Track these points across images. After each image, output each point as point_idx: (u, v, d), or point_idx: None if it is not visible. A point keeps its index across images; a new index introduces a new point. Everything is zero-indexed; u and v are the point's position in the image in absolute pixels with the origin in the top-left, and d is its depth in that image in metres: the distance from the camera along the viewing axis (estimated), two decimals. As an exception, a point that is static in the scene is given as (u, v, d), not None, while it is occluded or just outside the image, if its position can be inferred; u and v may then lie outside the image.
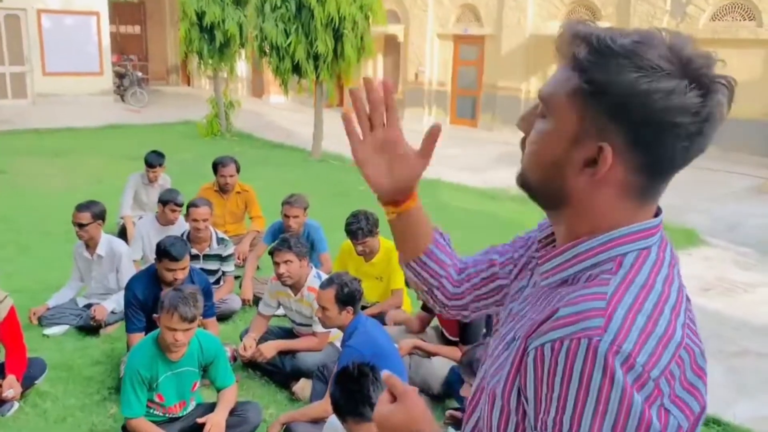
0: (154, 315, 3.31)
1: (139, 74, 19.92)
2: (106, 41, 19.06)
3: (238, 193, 6.28)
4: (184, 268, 3.93)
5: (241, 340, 4.29)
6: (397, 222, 1.27)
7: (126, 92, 19.04)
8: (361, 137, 1.18)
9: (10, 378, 3.68)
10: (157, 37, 26.73)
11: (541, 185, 1.00)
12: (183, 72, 26.46)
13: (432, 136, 1.15)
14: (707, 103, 0.87)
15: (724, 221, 7.84)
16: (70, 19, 18.21)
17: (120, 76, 19.71)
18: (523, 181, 1.03)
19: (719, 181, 10.13)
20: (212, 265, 5.08)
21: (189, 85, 26.18)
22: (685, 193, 9.20)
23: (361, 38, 10.68)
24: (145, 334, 3.82)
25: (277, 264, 4.02)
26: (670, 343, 0.85)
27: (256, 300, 4.92)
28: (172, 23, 26.20)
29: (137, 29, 26.42)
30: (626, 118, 0.89)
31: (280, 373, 4.12)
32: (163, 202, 5.38)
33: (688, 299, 0.97)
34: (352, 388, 2.49)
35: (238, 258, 5.65)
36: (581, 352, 0.83)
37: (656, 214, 0.98)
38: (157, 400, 3.34)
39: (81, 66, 18.33)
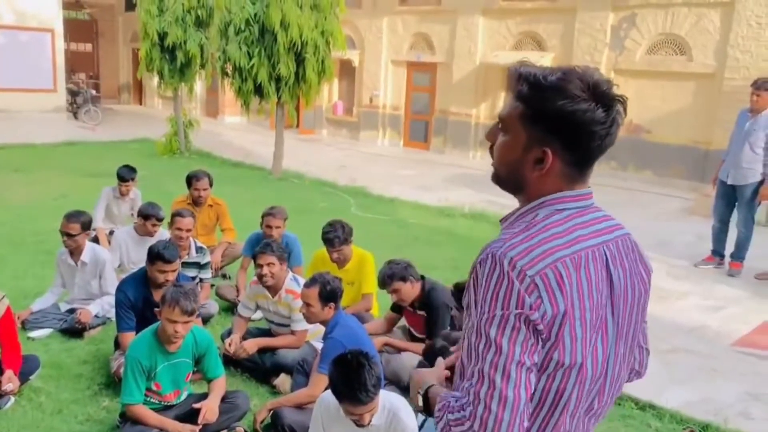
0: (155, 309, 3.62)
1: (93, 92, 19.91)
2: (61, 58, 19.05)
3: (210, 206, 6.58)
4: (174, 270, 4.25)
5: (222, 340, 4.61)
6: None
7: (79, 110, 18.99)
8: None
9: (9, 372, 3.92)
10: (109, 56, 26.64)
11: (507, 178, 1.47)
12: (135, 91, 26.40)
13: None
14: (610, 114, 1.35)
15: (657, 237, 8.53)
16: (25, 36, 18.16)
17: (73, 93, 19.65)
18: (496, 176, 1.51)
19: (653, 203, 10.93)
20: (191, 272, 5.36)
21: (141, 104, 26.12)
22: (623, 213, 9.91)
23: (322, 62, 11.14)
24: (135, 333, 4.10)
25: (260, 266, 4.37)
26: (548, 258, 1.30)
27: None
28: (124, 42, 26.19)
29: (89, 47, 26.30)
30: (560, 130, 1.35)
31: (260, 370, 4.45)
32: (145, 216, 5.57)
33: (604, 251, 1.41)
34: (351, 376, 2.83)
35: (211, 268, 5.93)
36: (488, 262, 1.31)
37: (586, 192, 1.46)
38: (154, 388, 3.63)
39: (34, 82, 18.27)
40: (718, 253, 7.31)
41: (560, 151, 1.36)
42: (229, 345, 4.40)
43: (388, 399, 3.06)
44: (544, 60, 13.39)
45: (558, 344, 1.30)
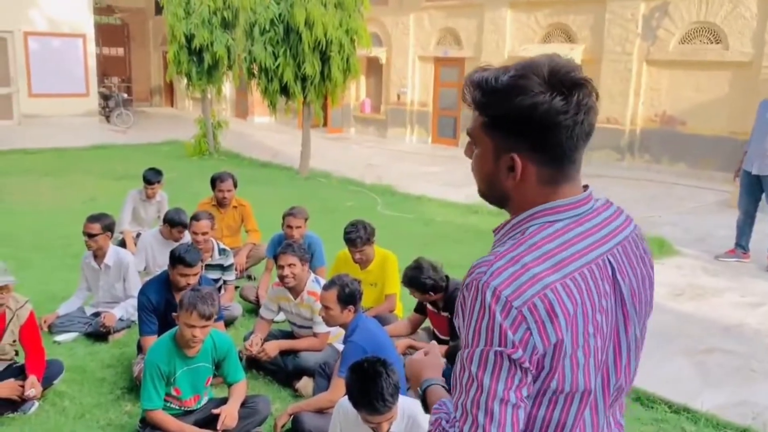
0: (173, 314, 3.59)
1: (124, 95, 20.18)
2: (93, 63, 19.30)
3: (235, 207, 6.57)
4: (196, 274, 4.22)
5: (244, 341, 4.57)
6: None
7: (111, 113, 19.26)
8: None
9: (32, 378, 3.92)
10: (140, 59, 26.98)
11: (489, 192, 1.37)
12: (166, 93, 26.72)
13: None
14: (570, 101, 1.21)
15: (693, 232, 8.28)
16: (57, 41, 18.44)
17: (105, 97, 19.95)
18: (480, 193, 1.42)
19: (688, 196, 10.63)
20: (214, 275, 5.34)
21: (172, 106, 26.43)
22: (659, 207, 9.69)
23: (347, 60, 11.07)
24: (157, 336, 4.08)
25: (281, 267, 4.32)
26: (537, 284, 1.17)
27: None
28: (155, 45, 26.51)
29: (120, 51, 26.68)
30: (522, 131, 1.24)
31: (282, 372, 4.40)
32: (171, 223, 5.54)
33: (608, 261, 1.29)
34: (367, 385, 2.75)
35: (235, 269, 5.91)
36: (472, 290, 1.20)
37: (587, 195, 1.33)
38: (174, 393, 3.60)
39: (67, 87, 18.54)
40: (740, 245, 7.11)
41: (529, 153, 1.25)
42: (250, 345, 4.36)
43: (407, 405, 2.97)
44: (575, 52, 13.12)
45: (555, 373, 1.20)
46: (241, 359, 4.44)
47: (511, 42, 14.86)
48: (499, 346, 1.16)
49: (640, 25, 12.66)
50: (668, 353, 4.77)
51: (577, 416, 1.26)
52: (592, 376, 1.24)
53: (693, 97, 12.20)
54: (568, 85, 1.22)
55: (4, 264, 4.01)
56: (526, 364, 1.17)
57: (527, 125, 1.23)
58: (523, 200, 1.30)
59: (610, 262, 1.29)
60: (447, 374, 1.54)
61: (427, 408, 1.45)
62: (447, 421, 1.25)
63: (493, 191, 1.35)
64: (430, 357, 1.59)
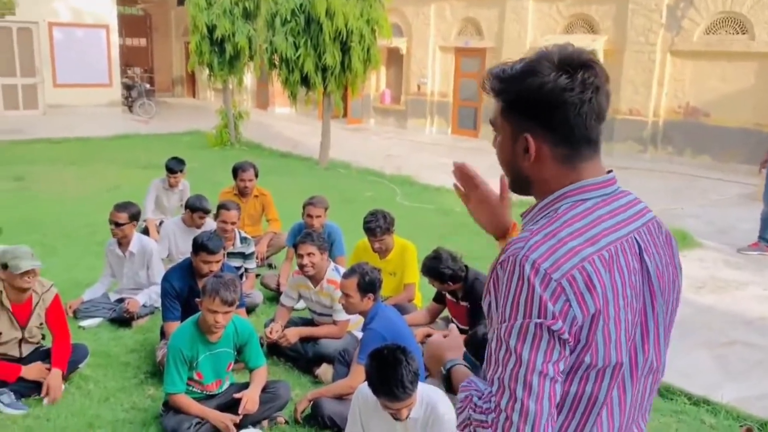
0: (197, 299, 3.65)
1: (147, 86, 20.38)
2: (116, 53, 19.49)
3: (256, 197, 6.63)
4: (218, 261, 4.28)
5: (265, 328, 4.63)
6: None
7: (134, 103, 19.47)
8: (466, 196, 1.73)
9: (54, 374, 3.96)
10: (163, 50, 27.18)
11: (513, 180, 1.42)
12: (188, 84, 26.91)
13: (503, 183, 1.60)
14: (575, 79, 1.26)
15: (716, 225, 8.20)
16: (81, 32, 18.65)
17: (128, 87, 20.16)
18: (509, 182, 1.45)
19: (712, 189, 10.52)
20: (235, 262, 5.40)
21: (194, 96, 26.61)
22: (681, 199, 9.60)
23: (368, 51, 11.07)
24: (180, 322, 4.15)
25: (300, 256, 4.37)
26: (575, 257, 1.21)
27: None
28: (177, 36, 26.68)
29: (143, 42, 26.89)
30: (535, 113, 1.30)
31: (302, 359, 4.45)
32: (192, 209, 5.64)
33: (635, 240, 1.32)
34: (387, 372, 2.78)
35: (256, 258, 5.97)
36: (509, 265, 1.23)
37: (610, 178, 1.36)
38: (196, 378, 3.67)
39: (91, 78, 18.76)
40: (764, 239, 7.07)
41: (541, 132, 1.31)
42: (270, 332, 4.41)
43: (426, 392, 3.00)
44: (597, 43, 13.00)
45: (590, 347, 1.23)
46: (262, 345, 4.51)
47: (532, 32, 14.75)
48: (539, 317, 1.18)
49: (665, 15, 12.50)
50: (689, 345, 4.74)
51: (609, 391, 1.29)
52: (623, 349, 1.27)
53: (718, 88, 12.04)
54: (574, 65, 1.28)
55: (31, 249, 4.09)
56: (565, 335, 1.19)
57: (538, 105, 1.29)
58: (543, 182, 1.34)
59: (637, 240, 1.33)
60: (467, 361, 1.56)
61: (451, 388, 1.47)
62: (479, 398, 1.26)
63: (515, 176, 1.40)
64: (450, 339, 1.61)
